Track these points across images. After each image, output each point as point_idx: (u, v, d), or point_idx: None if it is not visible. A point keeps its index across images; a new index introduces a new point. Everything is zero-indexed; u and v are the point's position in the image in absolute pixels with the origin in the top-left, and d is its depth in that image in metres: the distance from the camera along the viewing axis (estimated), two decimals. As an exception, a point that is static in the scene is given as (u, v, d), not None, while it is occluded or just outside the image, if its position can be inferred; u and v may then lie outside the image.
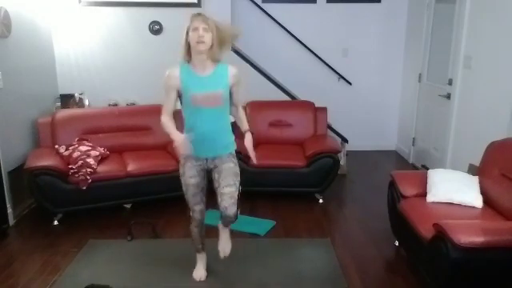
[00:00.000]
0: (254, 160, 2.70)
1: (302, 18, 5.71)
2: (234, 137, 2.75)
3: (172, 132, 2.59)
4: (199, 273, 2.98)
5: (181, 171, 2.72)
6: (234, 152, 2.73)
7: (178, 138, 2.54)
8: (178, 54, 2.56)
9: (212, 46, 2.47)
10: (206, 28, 2.44)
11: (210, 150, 2.64)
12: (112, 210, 3.95)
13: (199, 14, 2.49)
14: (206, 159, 2.67)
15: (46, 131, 4.19)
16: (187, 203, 2.80)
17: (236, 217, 2.65)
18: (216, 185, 2.68)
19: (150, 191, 4.00)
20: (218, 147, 2.65)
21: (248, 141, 2.67)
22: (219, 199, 2.63)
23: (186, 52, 2.51)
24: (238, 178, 2.68)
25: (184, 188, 2.73)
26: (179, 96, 2.60)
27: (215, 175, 2.69)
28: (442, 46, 4.71)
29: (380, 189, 3.99)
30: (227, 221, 2.69)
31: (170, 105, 2.62)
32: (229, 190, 2.61)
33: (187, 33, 2.46)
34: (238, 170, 2.70)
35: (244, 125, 2.75)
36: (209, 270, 3.02)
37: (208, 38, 2.44)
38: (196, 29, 2.43)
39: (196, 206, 2.77)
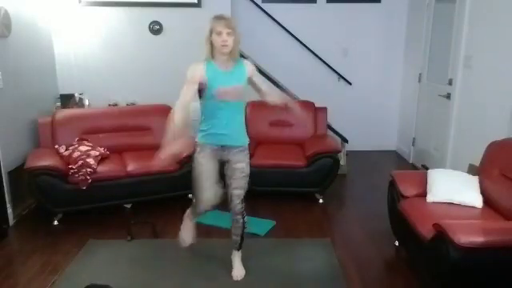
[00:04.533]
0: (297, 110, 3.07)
1: (302, 18, 5.71)
2: (246, 133, 2.89)
3: (169, 138, 2.57)
4: (186, 236, 3.15)
5: (195, 155, 2.81)
6: (247, 146, 2.87)
7: (166, 150, 2.56)
8: (204, 51, 2.69)
9: (234, 47, 2.64)
10: (230, 32, 2.59)
11: (225, 140, 2.79)
12: (112, 210, 3.95)
13: (222, 18, 2.62)
14: (222, 149, 2.80)
15: (46, 131, 4.19)
16: (195, 196, 2.91)
17: (241, 214, 2.86)
18: (227, 181, 2.86)
19: (150, 191, 3.99)
20: (233, 139, 2.80)
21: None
22: (229, 198, 2.85)
23: (209, 50, 2.66)
24: (248, 179, 2.87)
25: (195, 175, 2.81)
26: (199, 90, 2.70)
27: (227, 172, 2.85)
28: (442, 46, 4.71)
29: (380, 189, 3.99)
30: (236, 219, 2.88)
31: (188, 97, 2.65)
32: (238, 192, 2.84)
33: (210, 33, 2.61)
34: (248, 169, 2.87)
35: (277, 96, 2.97)
36: (209, 270, 3.03)
37: (231, 41, 2.61)
38: (220, 33, 2.58)
39: (206, 193, 2.83)
